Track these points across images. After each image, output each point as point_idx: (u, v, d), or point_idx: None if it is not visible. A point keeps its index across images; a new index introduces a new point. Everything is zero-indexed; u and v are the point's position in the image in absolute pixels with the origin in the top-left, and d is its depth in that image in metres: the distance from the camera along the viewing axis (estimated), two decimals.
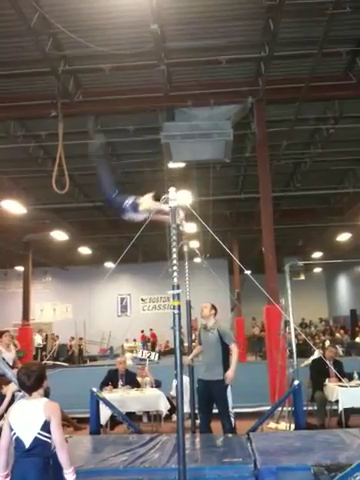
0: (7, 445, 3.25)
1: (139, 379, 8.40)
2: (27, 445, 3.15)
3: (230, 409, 5.86)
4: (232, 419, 5.86)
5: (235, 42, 8.72)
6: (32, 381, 3.26)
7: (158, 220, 4.59)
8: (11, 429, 3.22)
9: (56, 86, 9.57)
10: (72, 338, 25.04)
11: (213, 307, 6.26)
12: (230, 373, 5.81)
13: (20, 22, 7.57)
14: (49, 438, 3.17)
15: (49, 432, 3.16)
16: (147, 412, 8.13)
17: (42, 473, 3.13)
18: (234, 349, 6.00)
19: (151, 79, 9.65)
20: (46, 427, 3.16)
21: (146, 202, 4.57)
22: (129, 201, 4.61)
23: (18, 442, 3.19)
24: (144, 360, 8.62)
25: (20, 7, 7.22)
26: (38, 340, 22.93)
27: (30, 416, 3.19)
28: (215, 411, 6.06)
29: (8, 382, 6.63)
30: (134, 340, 25.52)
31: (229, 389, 5.88)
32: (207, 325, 6.18)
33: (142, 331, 25.58)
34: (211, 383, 5.88)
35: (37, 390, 3.29)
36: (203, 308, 6.23)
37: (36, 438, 3.15)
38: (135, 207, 4.57)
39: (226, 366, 5.89)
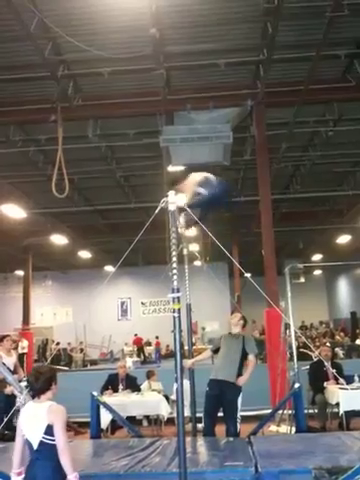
0: (20, 445, 3.33)
1: (147, 384, 8.40)
2: (35, 447, 3.20)
3: (238, 413, 5.83)
4: (238, 424, 5.82)
5: (234, 45, 8.74)
6: (40, 383, 3.29)
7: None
8: (21, 430, 3.29)
9: (55, 90, 9.58)
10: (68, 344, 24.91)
11: (243, 318, 6.38)
12: (244, 378, 5.88)
13: (19, 27, 7.59)
14: (54, 441, 3.18)
15: (53, 436, 3.18)
16: (147, 416, 8.11)
17: (52, 476, 3.15)
18: (252, 360, 6.04)
19: (150, 83, 9.67)
20: (49, 431, 3.17)
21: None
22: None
23: (28, 444, 3.25)
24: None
25: (19, 12, 7.24)
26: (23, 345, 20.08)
27: (35, 419, 3.22)
28: (220, 414, 6.03)
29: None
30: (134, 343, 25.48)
31: (241, 394, 5.87)
32: (233, 332, 6.27)
33: (135, 334, 25.26)
34: (224, 383, 5.84)
35: (45, 393, 3.31)
36: (233, 317, 6.40)
37: (41, 441, 3.18)
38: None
39: (240, 372, 5.92)
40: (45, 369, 3.43)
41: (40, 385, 3.29)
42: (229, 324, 6.46)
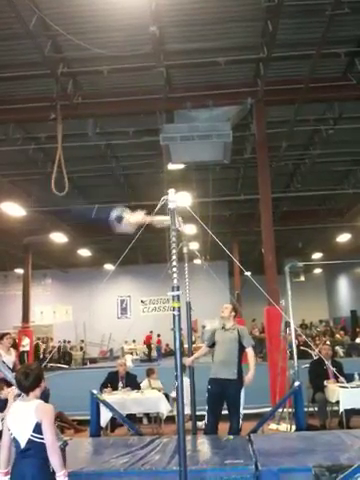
0: (7, 444, 3.31)
1: (146, 382, 8.40)
2: (22, 446, 3.19)
3: (241, 410, 5.82)
4: (241, 420, 5.81)
5: (234, 43, 8.73)
6: (30, 381, 3.29)
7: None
8: (8, 429, 3.27)
9: (55, 88, 9.57)
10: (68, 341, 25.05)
11: (234, 309, 6.25)
12: (250, 376, 5.83)
13: (19, 24, 7.58)
14: (43, 439, 3.17)
15: (42, 434, 3.17)
16: (147, 414, 8.11)
17: (40, 474, 3.14)
18: (251, 352, 6.00)
19: (150, 81, 9.65)
20: (38, 429, 3.17)
21: (135, 217, 4.44)
22: (114, 214, 4.47)
23: (15, 442, 3.23)
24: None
25: (19, 10, 7.23)
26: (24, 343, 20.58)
27: (23, 418, 3.22)
28: (224, 412, 6.02)
29: (8, 385, 6.61)
30: (133, 341, 25.57)
31: (243, 389, 5.86)
32: (225, 325, 6.15)
33: (151, 331, 25.44)
34: (226, 382, 5.82)
35: (34, 390, 3.31)
36: (224, 309, 6.21)
37: (30, 440, 3.17)
38: (120, 220, 4.45)
39: (240, 367, 5.88)
40: (34, 366, 3.43)
41: (30, 383, 3.29)
42: (220, 318, 6.27)
